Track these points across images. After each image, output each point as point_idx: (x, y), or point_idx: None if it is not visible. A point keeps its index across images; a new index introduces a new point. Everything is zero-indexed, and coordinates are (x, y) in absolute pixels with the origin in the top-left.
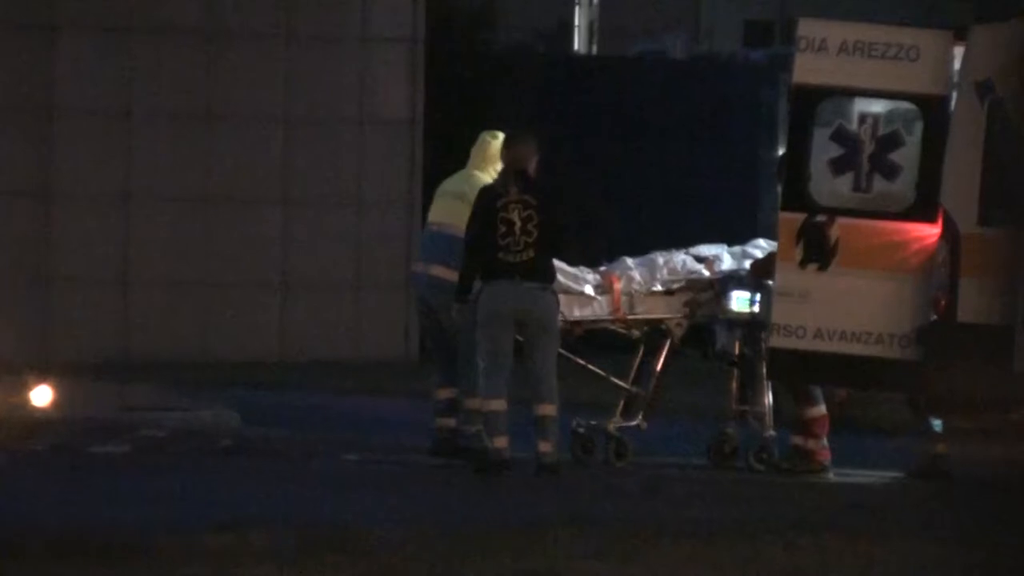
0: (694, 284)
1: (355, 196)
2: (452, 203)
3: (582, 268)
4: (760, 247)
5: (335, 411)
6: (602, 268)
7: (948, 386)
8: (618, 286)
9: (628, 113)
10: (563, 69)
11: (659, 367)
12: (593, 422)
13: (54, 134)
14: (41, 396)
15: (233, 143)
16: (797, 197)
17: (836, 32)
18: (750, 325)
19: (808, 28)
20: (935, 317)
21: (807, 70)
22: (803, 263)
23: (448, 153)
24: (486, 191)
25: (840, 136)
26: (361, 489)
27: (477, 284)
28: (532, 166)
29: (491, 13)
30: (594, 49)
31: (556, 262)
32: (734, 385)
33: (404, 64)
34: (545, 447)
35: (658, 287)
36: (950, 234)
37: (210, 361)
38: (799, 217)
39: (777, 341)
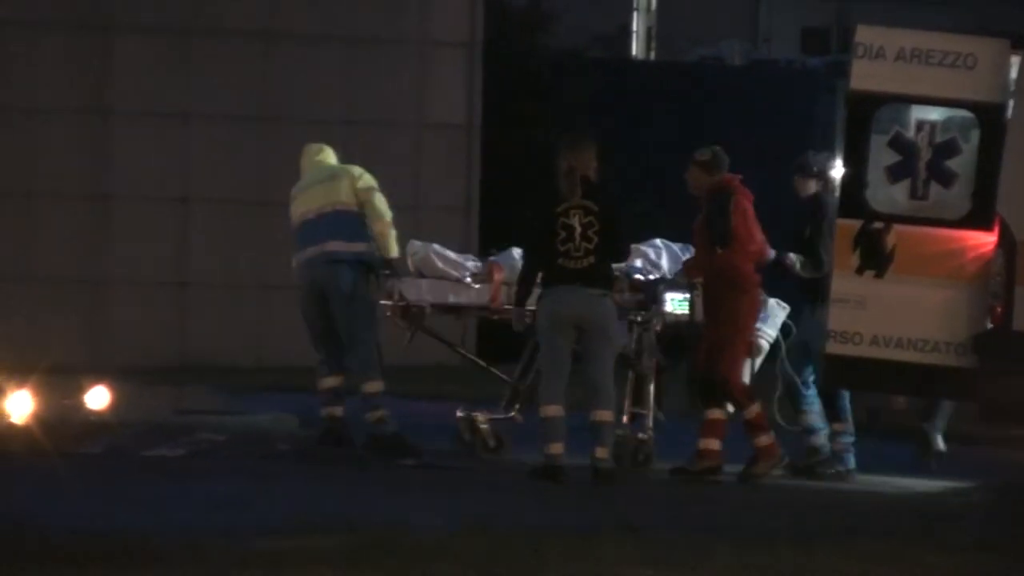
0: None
1: (412, 200)
2: (328, 185)
3: (468, 256)
4: (655, 246)
5: (392, 415)
6: (491, 257)
7: (1004, 394)
8: (499, 276)
9: (685, 119)
10: (621, 74)
11: (526, 359)
12: (475, 413)
13: (110, 136)
14: (97, 399)
15: (290, 146)
16: (854, 204)
17: (894, 39)
18: (688, 328)
19: (866, 35)
20: (991, 325)
21: (864, 77)
22: (860, 270)
23: (505, 157)
24: (547, 196)
25: (897, 143)
26: (416, 493)
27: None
28: (593, 172)
29: (548, 18)
30: (652, 55)
31: (439, 247)
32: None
33: (462, 68)
34: (601, 452)
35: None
36: (1006, 242)
37: (267, 364)
38: (856, 224)
39: (833, 348)
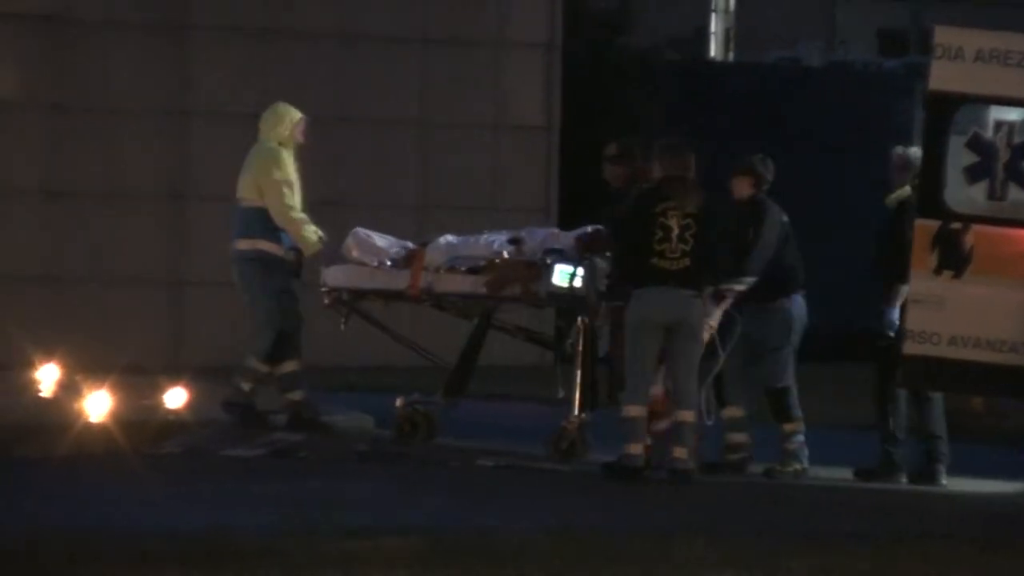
0: (504, 264)
1: (490, 202)
2: (242, 177)
3: (395, 241)
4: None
5: (470, 416)
6: (424, 243)
7: None
8: (419, 263)
9: (763, 120)
10: (699, 75)
11: (470, 345)
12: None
13: (188, 137)
14: (175, 399)
15: (367, 147)
16: (932, 204)
17: (972, 40)
18: (571, 301)
19: (945, 36)
20: None
21: (943, 78)
22: (938, 270)
23: (584, 159)
24: (646, 195)
25: (975, 144)
26: (494, 495)
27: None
28: (691, 174)
29: (627, 18)
30: (730, 56)
31: (366, 233)
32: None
33: (540, 69)
34: (680, 452)
35: (459, 265)
36: None
37: (344, 365)
38: (934, 224)
39: (911, 348)
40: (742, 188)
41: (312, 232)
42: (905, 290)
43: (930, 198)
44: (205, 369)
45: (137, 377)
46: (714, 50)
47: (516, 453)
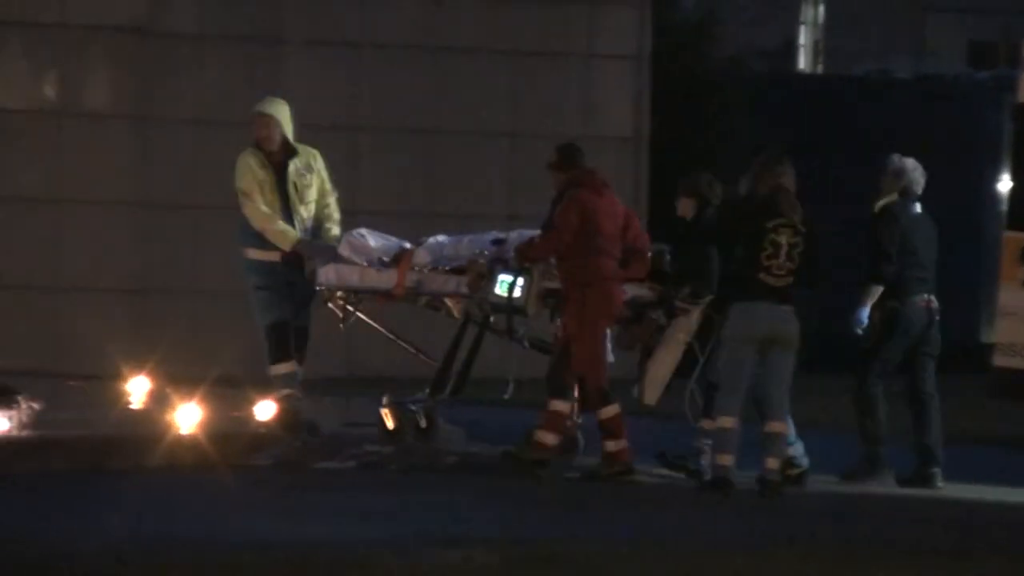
0: (476, 265)
1: None
2: None
3: (395, 241)
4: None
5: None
6: (420, 243)
7: None
8: (406, 263)
9: (851, 133)
10: (787, 88)
11: (456, 344)
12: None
13: None
14: (265, 411)
15: (458, 159)
16: (1022, 217)
17: None
18: (509, 310)
19: None
20: None
21: None
22: None
23: (672, 171)
24: (757, 209)
25: None
26: (581, 507)
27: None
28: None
29: (716, 31)
30: (819, 69)
31: (361, 232)
32: None
33: (629, 81)
34: (772, 464)
35: (444, 265)
36: None
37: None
38: (1023, 237)
39: (1000, 360)
40: (686, 208)
41: (282, 229)
42: (878, 290)
43: (1019, 210)
44: (361, 381)
45: (228, 389)
46: (803, 63)
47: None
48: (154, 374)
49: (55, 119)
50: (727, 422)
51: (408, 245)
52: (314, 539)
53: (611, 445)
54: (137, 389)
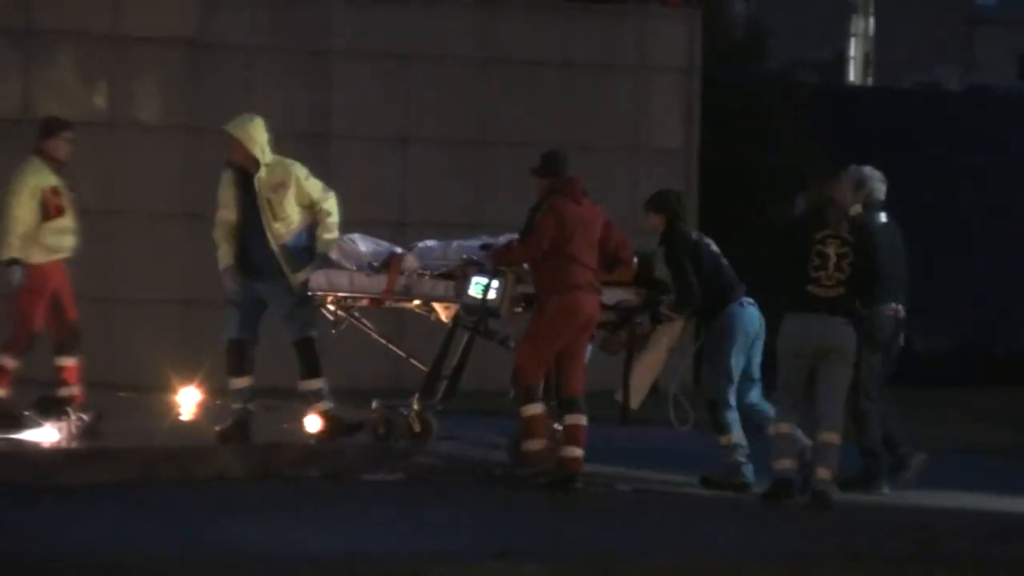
0: (464, 269)
1: (630, 225)
2: None
3: (387, 247)
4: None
5: (608, 440)
6: (410, 248)
7: None
8: (396, 268)
9: (900, 145)
10: (836, 100)
11: (446, 348)
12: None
13: (329, 160)
14: (314, 423)
15: (506, 171)
16: None
17: None
18: (483, 312)
19: None
20: None
21: None
22: None
23: (722, 183)
24: (805, 221)
25: None
26: (633, 519)
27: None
28: (848, 202)
29: (765, 44)
30: (869, 81)
31: (353, 237)
32: None
33: (679, 93)
34: (824, 473)
35: (433, 269)
36: None
37: (484, 389)
38: None
39: None
40: (654, 223)
41: (221, 255)
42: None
43: None
44: (345, 392)
45: (277, 400)
46: (852, 75)
47: (652, 478)
48: (204, 385)
49: (106, 130)
50: (783, 428)
51: (399, 250)
52: (363, 550)
53: (529, 444)
54: (187, 400)
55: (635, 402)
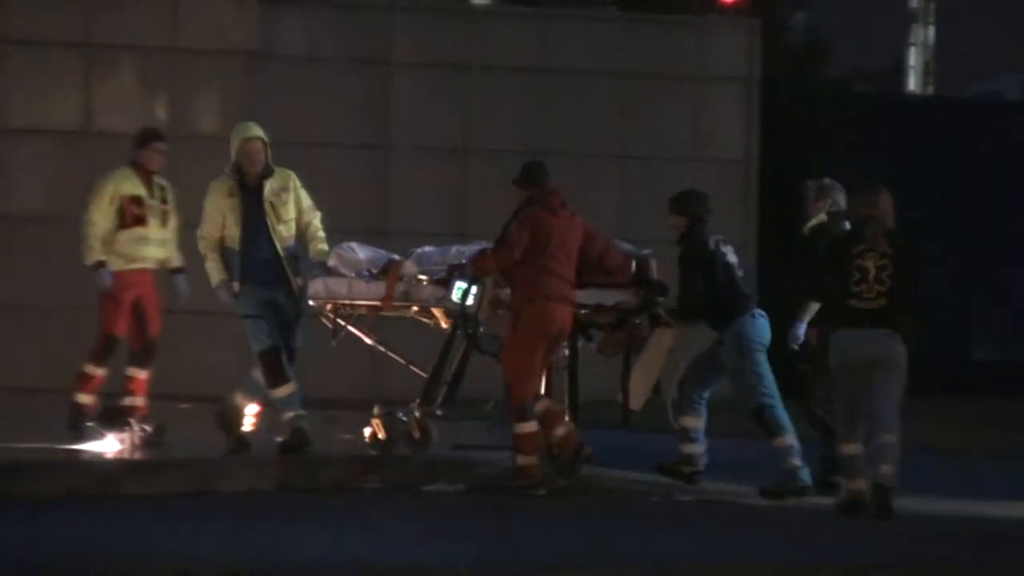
0: (451, 273)
1: None
2: None
3: (383, 254)
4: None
5: (669, 450)
6: (407, 253)
7: None
8: (394, 275)
9: (960, 154)
10: (896, 109)
11: (445, 355)
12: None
13: (388, 171)
14: (372, 433)
15: (566, 180)
16: None
17: None
18: (462, 316)
19: None
20: None
21: None
22: None
23: (781, 192)
24: (841, 238)
25: None
26: (695, 529)
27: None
28: (890, 218)
29: (825, 53)
30: (929, 90)
31: (349, 246)
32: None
33: (739, 103)
34: (886, 469)
35: (431, 275)
36: None
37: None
38: None
39: None
40: (675, 223)
41: (213, 269)
42: (815, 307)
43: None
44: (406, 403)
45: (338, 411)
46: (912, 83)
47: (712, 488)
48: (266, 397)
49: (167, 142)
50: (851, 448)
51: (397, 257)
52: (424, 561)
53: (520, 460)
54: (249, 411)
55: (636, 404)
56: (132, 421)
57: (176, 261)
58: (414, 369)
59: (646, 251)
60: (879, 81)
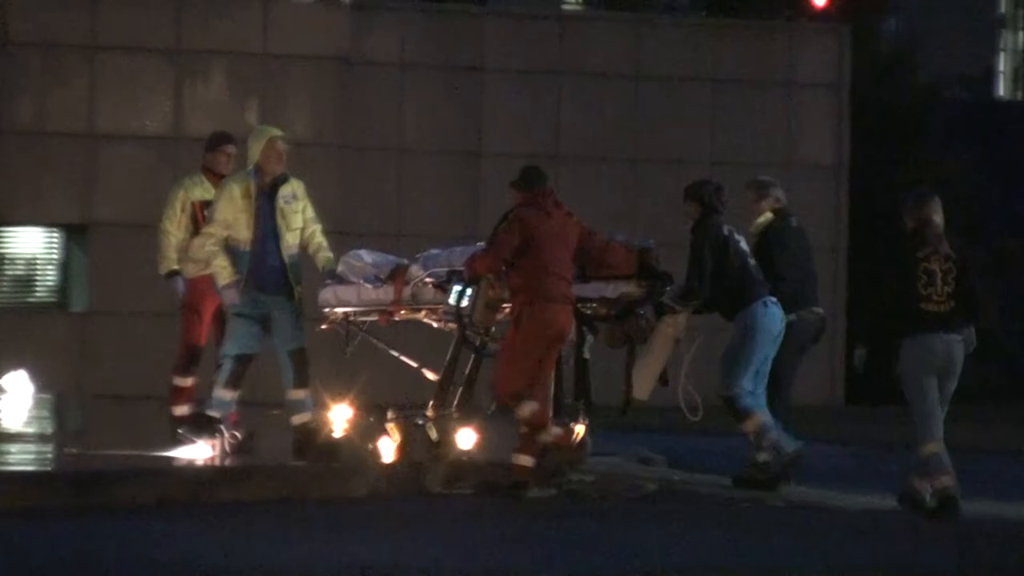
0: (451, 276)
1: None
2: None
3: (392, 259)
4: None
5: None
6: (415, 258)
7: None
8: (401, 278)
9: None
10: (985, 114)
11: (454, 358)
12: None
13: (479, 178)
14: (466, 439)
15: (656, 186)
16: None
17: None
18: (459, 318)
19: None
20: None
21: None
22: None
23: (873, 198)
24: (909, 243)
25: None
26: (784, 536)
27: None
28: (942, 222)
29: (914, 59)
30: (1018, 95)
31: (358, 253)
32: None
33: (830, 109)
34: (947, 480)
35: (436, 277)
36: None
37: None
38: None
39: None
40: (689, 211)
41: (222, 270)
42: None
43: None
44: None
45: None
46: (1002, 88)
47: (809, 494)
48: (356, 403)
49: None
50: (933, 447)
51: (404, 261)
52: (513, 567)
53: (519, 459)
54: (338, 418)
55: (644, 393)
56: (223, 428)
57: None
58: (426, 372)
59: (650, 241)
60: (968, 86)
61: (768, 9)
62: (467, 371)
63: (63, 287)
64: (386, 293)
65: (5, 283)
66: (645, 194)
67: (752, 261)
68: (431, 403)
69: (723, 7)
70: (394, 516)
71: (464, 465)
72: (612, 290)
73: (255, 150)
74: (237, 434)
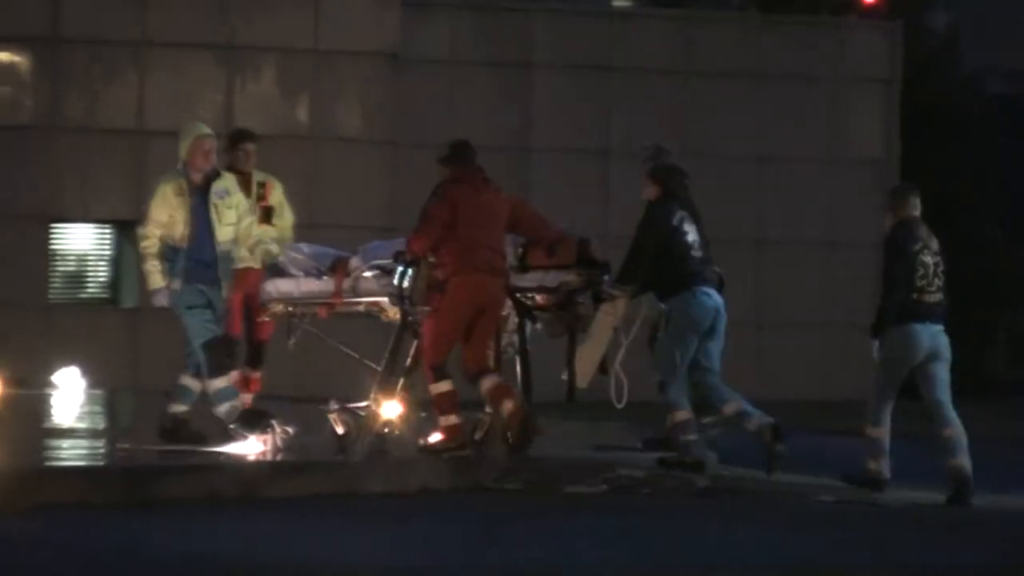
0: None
1: (825, 236)
2: None
3: (332, 252)
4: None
5: (808, 451)
6: (356, 250)
7: None
8: (344, 268)
9: None
10: None
11: (396, 347)
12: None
13: (529, 173)
14: (391, 409)
15: (702, 182)
16: None
17: None
18: (401, 300)
19: None
20: None
21: None
22: None
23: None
24: (909, 237)
25: None
26: (834, 531)
27: None
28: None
29: (964, 55)
30: None
31: (299, 246)
32: None
33: (878, 104)
34: (963, 460)
35: (377, 268)
36: None
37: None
38: None
39: None
40: (648, 192)
41: (152, 272)
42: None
43: None
44: (548, 405)
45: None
46: None
47: (851, 489)
48: (405, 398)
49: (308, 143)
50: (880, 432)
51: (345, 254)
52: (563, 563)
53: (443, 420)
54: (389, 413)
55: (583, 382)
56: (274, 423)
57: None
58: (368, 364)
59: (584, 233)
60: (1017, 80)
61: (816, 5)
62: (410, 361)
63: (115, 283)
64: (326, 285)
65: (57, 280)
66: (693, 188)
67: (697, 254)
68: (373, 391)
69: (772, 3)
70: (444, 511)
71: (517, 461)
72: (550, 280)
73: (183, 148)
74: (288, 429)
